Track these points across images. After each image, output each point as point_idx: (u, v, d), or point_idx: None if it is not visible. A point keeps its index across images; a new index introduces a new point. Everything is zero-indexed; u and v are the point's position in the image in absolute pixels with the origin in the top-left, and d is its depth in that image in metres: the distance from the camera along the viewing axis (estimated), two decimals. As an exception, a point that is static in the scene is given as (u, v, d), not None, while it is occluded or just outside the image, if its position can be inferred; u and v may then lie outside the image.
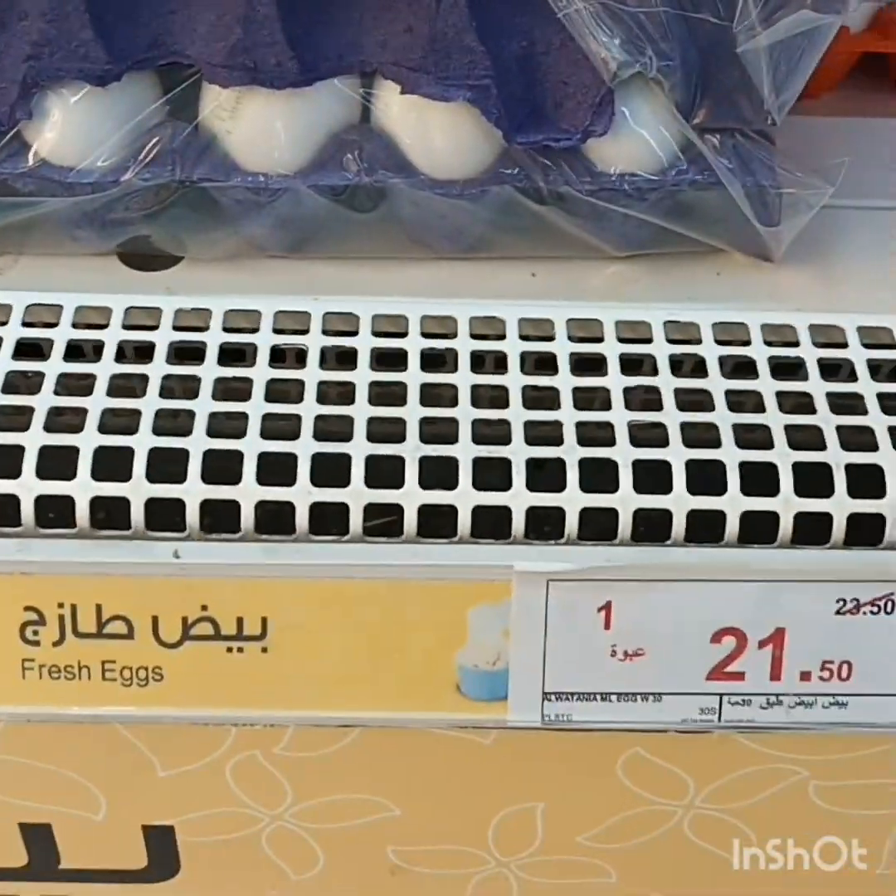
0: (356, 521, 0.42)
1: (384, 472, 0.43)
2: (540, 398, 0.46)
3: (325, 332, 0.46)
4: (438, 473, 0.43)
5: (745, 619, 0.41)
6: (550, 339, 0.46)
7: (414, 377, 0.44)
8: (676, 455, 0.42)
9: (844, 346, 0.46)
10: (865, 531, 0.43)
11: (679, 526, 0.42)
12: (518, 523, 0.42)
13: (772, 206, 0.46)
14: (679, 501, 0.42)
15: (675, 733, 0.43)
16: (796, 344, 0.46)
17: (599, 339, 0.47)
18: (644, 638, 0.41)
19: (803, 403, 0.45)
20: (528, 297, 0.49)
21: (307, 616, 0.41)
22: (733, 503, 0.42)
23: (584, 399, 0.45)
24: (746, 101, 0.45)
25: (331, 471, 0.43)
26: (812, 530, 0.43)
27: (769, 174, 0.46)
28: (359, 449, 0.42)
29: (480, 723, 0.42)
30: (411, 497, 0.42)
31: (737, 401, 0.45)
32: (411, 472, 0.42)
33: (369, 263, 0.50)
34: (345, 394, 0.44)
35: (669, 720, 0.42)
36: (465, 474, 0.42)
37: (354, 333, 0.46)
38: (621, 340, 0.46)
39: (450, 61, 0.45)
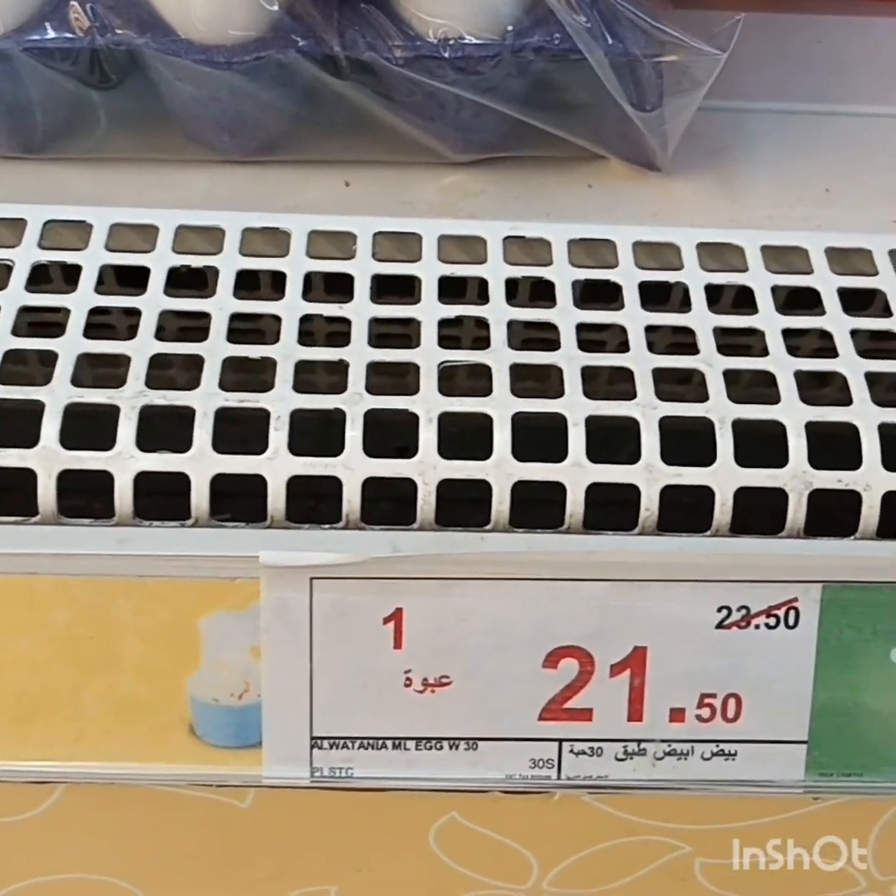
0: (47, 495, 0.30)
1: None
2: (332, 332, 0.35)
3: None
4: (173, 431, 0.32)
5: (591, 633, 0.30)
6: (348, 258, 0.36)
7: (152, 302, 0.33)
8: (500, 406, 0.31)
9: (743, 270, 0.36)
10: (759, 516, 0.32)
11: (500, 502, 0.31)
12: (275, 499, 0.30)
13: (648, 83, 0.36)
14: (500, 468, 0.31)
15: (499, 794, 0.32)
16: (679, 267, 0.36)
17: (414, 260, 0.36)
18: (449, 660, 0.30)
19: (685, 342, 0.34)
20: (333, 209, 0.38)
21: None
22: (577, 474, 0.31)
23: (388, 333, 0.34)
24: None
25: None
26: (688, 513, 0.32)
27: (642, 38, 0.35)
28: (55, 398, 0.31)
29: (224, 779, 0.31)
30: (123, 463, 0.30)
31: (591, 340, 0.34)
32: (127, 431, 0.31)
33: (134, 167, 0.39)
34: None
35: (490, 777, 0.31)
36: (203, 432, 0.31)
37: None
38: (443, 261, 0.35)
39: None
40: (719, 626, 0.30)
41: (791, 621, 0.30)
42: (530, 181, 0.40)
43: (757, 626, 0.30)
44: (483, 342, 0.34)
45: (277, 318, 0.34)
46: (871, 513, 0.31)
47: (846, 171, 0.41)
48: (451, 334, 0.34)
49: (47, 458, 0.30)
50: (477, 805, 0.33)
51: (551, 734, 0.31)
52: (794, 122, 0.42)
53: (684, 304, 0.35)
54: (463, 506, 0.33)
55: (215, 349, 0.33)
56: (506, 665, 0.31)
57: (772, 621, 0.30)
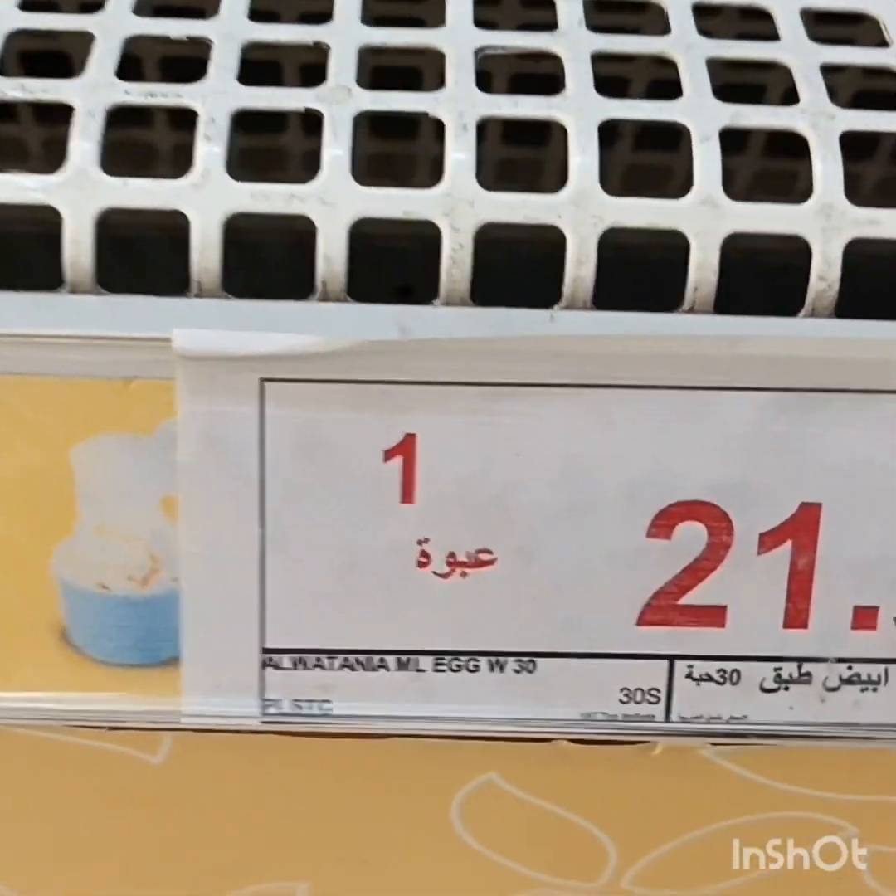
0: None
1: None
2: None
3: None
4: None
5: (730, 481, 0.19)
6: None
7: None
8: (579, 110, 0.20)
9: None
10: None
11: (580, 263, 0.19)
12: (204, 250, 0.19)
13: None
14: (580, 206, 0.19)
15: (568, 744, 0.21)
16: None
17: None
18: (491, 524, 0.19)
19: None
20: None
21: None
22: (708, 218, 0.19)
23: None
24: None
25: None
26: (883, 291, 0.20)
27: None
28: None
29: (120, 716, 0.20)
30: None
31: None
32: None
33: None
34: None
35: (555, 717, 0.20)
36: (84, 141, 0.19)
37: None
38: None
39: None
40: None
41: None
42: None
43: None
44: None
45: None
46: None
47: None
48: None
49: None
50: (529, 762, 0.21)
51: (658, 647, 0.19)
52: None
53: None
54: (514, 282, 0.21)
55: (107, 25, 0.21)
56: (586, 532, 0.19)
57: None
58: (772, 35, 0.22)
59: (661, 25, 0.22)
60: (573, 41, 0.21)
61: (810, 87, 0.20)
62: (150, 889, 0.23)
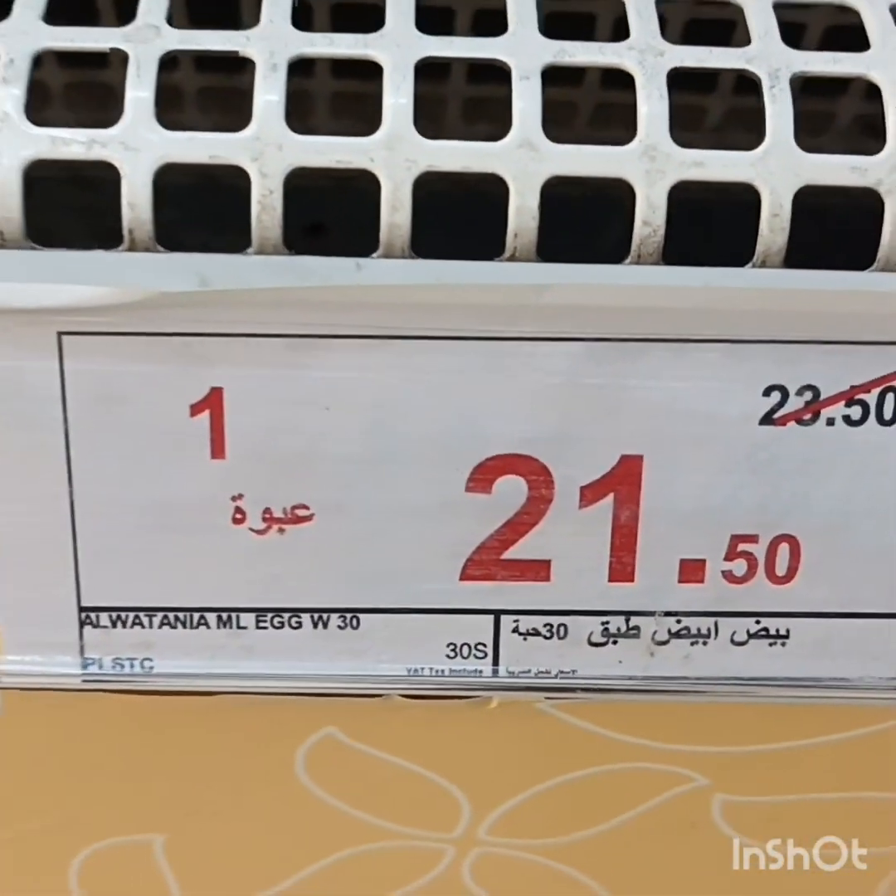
0: None
1: None
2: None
3: None
4: None
5: (548, 433, 0.18)
6: None
7: None
8: (397, 47, 0.19)
9: None
10: (834, 240, 0.20)
11: (395, 209, 0.18)
12: (5, 196, 0.18)
13: None
14: (393, 149, 0.18)
15: (401, 699, 0.20)
16: None
17: None
18: (306, 480, 0.18)
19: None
20: None
21: None
22: (527, 160, 0.18)
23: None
24: None
25: None
26: (714, 237, 0.20)
27: None
28: None
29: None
30: None
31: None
32: None
33: None
34: None
35: (381, 672, 0.20)
36: None
37: None
38: None
39: None
40: (766, 419, 0.18)
41: (888, 412, 0.19)
42: None
43: (830, 421, 0.18)
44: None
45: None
46: None
47: None
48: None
49: None
50: (365, 717, 0.21)
51: (482, 602, 0.19)
52: None
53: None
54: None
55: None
56: (403, 487, 0.19)
57: (856, 412, 0.18)
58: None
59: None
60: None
61: (641, 20, 0.20)
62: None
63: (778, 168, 0.19)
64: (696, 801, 0.23)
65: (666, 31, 0.20)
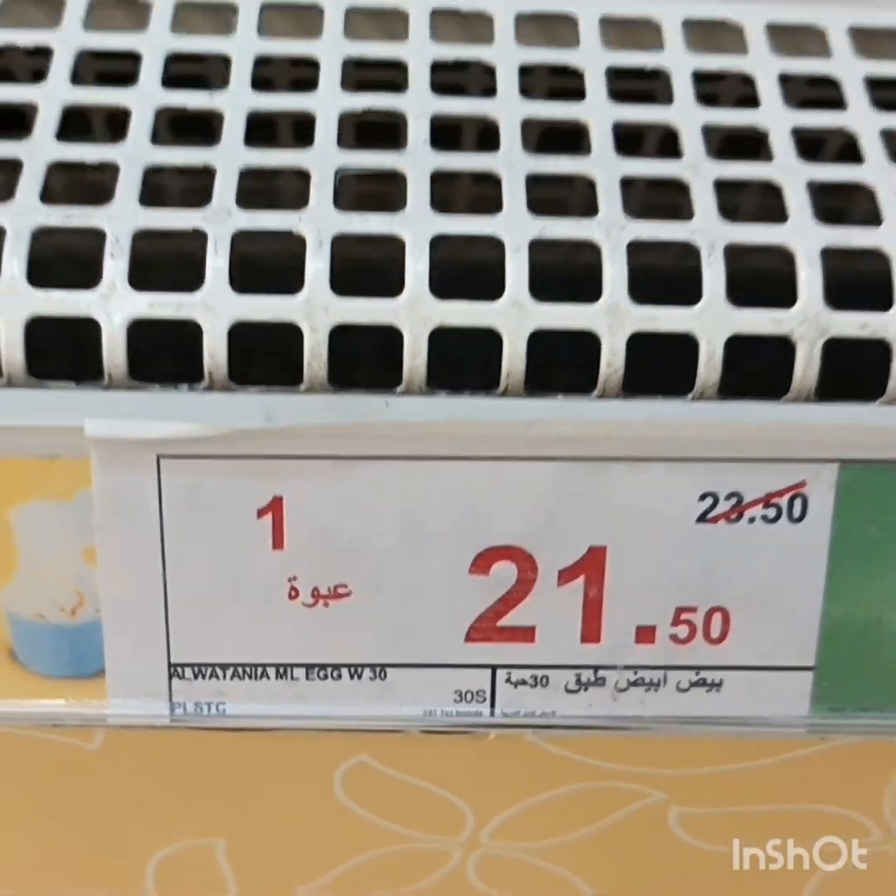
0: None
1: None
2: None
3: None
4: None
5: (534, 529, 0.24)
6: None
7: None
8: (414, 225, 0.24)
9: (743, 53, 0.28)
10: (757, 376, 0.25)
11: (414, 356, 0.24)
12: (111, 349, 0.24)
13: None
14: (414, 309, 0.24)
15: (419, 733, 0.26)
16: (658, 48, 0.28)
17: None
18: (347, 564, 0.24)
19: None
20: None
21: None
22: (516, 317, 0.24)
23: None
24: None
25: None
26: (664, 372, 0.25)
27: None
28: None
29: (59, 718, 0.25)
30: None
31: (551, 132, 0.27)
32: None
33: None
34: None
35: (404, 714, 0.25)
36: (14, 258, 0.24)
37: None
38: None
39: None
40: (702, 518, 0.24)
41: (796, 512, 0.24)
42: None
43: (751, 519, 0.24)
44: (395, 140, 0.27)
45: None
46: (905, 369, 0.25)
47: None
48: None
49: None
50: (391, 747, 0.27)
51: (482, 659, 0.25)
52: None
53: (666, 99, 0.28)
54: (369, 365, 0.26)
55: (36, 150, 0.25)
56: (421, 570, 0.24)
57: (771, 513, 0.24)
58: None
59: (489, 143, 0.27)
60: (417, 161, 0.25)
61: (608, 200, 0.25)
62: (88, 853, 0.29)
63: (712, 321, 0.24)
64: (657, 813, 0.28)
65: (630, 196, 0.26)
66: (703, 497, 0.24)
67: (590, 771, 0.27)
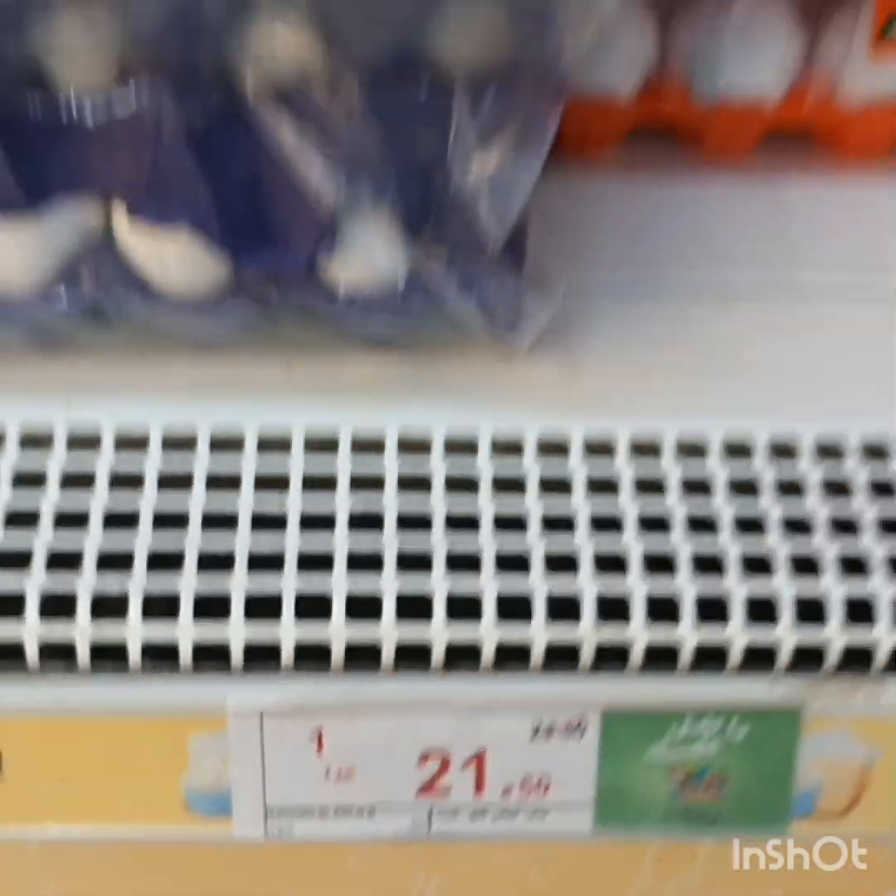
0: (83, 655, 0.47)
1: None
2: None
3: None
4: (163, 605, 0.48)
5: (448, 741, 0.47)
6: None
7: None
8: (389, 583, 0.47)
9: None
10: (562, 655, 0.48)
11: (388, 656, 0.47)
12: (236, 656, 0.47)
13: (503, 320, 0.50)
14: (388, 631, 0.47)
15: (388, 844, 0.49)
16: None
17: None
18: (354, 759, 0.47)
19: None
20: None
21: (37, 748, 0.46)
22: (438, 633, 0.47)
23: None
24: (469, 226, 0.49)
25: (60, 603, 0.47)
26: (513, 655, 0.48)
27: (497, 293, 0.50)
28: (84, 585, 0.47)
29: (206, 837, 0.48)
30: (134, 632, 0.47)
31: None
32: (135, 605, 0.47)
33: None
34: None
35: (382, 831, 0.48)
36: (186, 605, 0.47)
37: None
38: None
39: (171, 191, 0.48)
40: (533, 737, 0.47)
41: (579, 733, 0.47)
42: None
43: (556, 737, 0.47)
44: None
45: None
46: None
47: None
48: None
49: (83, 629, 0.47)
50: (374, 850, 0.50)
51: (423, 805, 0.48)
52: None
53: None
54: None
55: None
56: (393, 762, 0.47)
57: (567, 734, 0.47)
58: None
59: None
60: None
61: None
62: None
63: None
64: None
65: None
66: (535, 729, 0.47)
67: (490, 850, 0.50)
